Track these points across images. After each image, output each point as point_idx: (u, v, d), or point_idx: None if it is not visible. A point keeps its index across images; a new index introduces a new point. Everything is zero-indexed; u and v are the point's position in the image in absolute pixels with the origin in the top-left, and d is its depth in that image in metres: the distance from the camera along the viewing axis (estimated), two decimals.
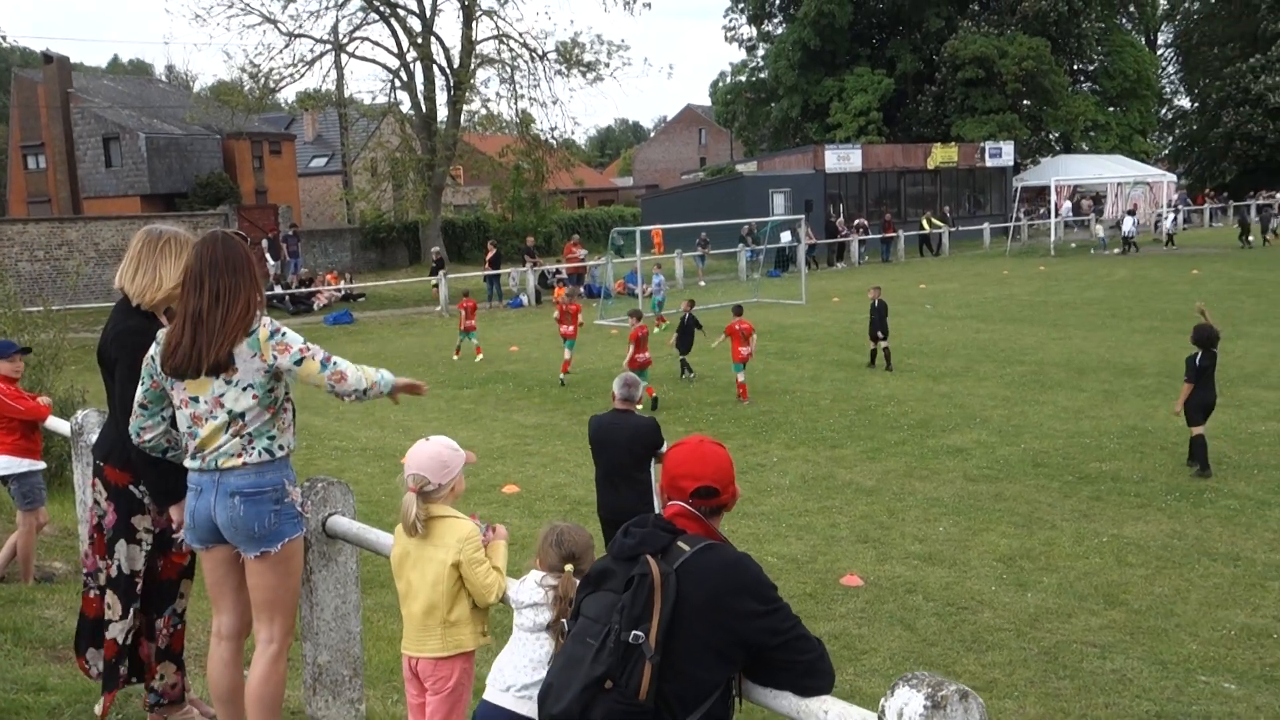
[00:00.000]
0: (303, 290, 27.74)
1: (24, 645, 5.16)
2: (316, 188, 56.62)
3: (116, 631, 4.04)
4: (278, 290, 26.96)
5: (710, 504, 2.67)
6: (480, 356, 19.64)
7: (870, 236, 38.11)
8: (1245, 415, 12.58)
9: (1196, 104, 70.59)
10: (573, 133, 35.91)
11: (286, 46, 32.76)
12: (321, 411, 15.01)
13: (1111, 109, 56.72)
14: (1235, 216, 42.27)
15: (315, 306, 27.17)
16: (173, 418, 3.75)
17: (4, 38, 76.84)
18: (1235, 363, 15.51)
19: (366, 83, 72.65)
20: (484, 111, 34.83)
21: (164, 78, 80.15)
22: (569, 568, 3.24)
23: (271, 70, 32.65)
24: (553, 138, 35.74)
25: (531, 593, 3.29)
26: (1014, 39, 51.02)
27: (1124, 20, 61.55)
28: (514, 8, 41.73)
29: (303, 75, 33.92)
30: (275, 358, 3.56)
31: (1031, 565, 8.15)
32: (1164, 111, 70.38)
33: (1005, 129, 50.39)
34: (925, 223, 39.87)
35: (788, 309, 25.34)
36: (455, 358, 19.79)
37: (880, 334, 16.71)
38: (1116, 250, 37.11)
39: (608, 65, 33.66)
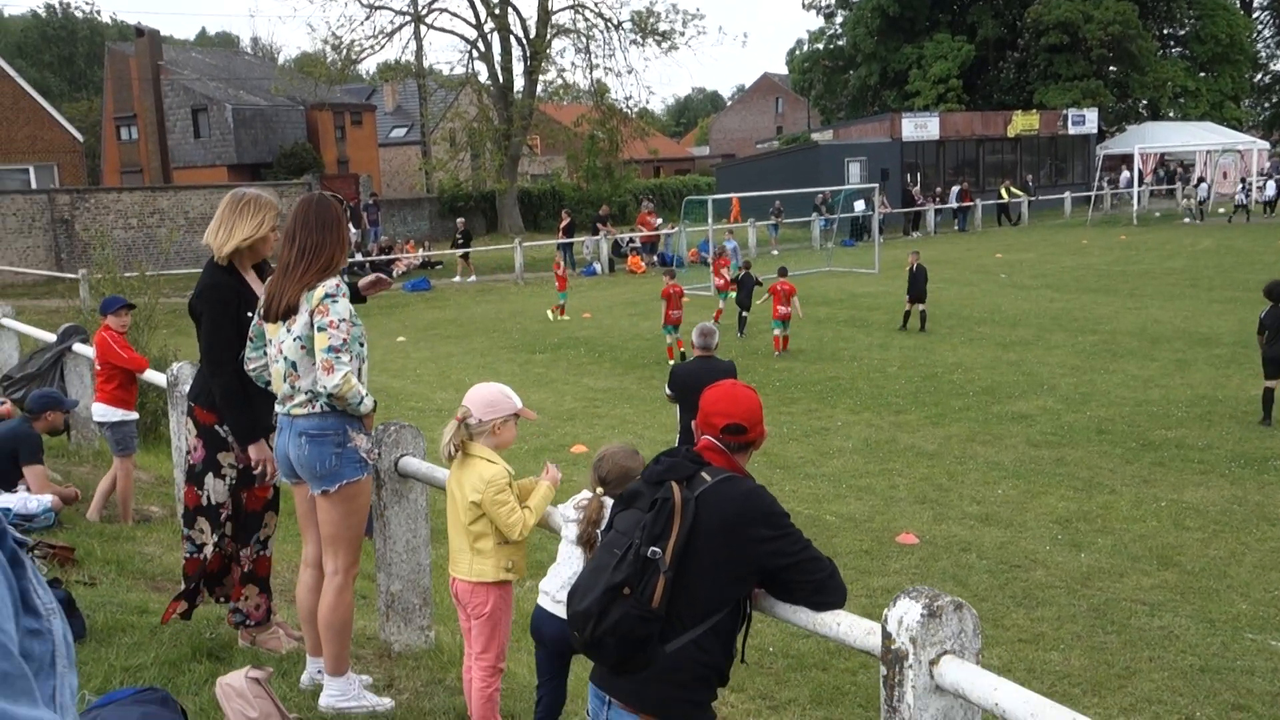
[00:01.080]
0: (383, 258, 28.38)
1: (126, 575, 5.62)
2: (396, 158, 57.53)
3: (207, 551, 4.45)
4: (358, 258, 27.61)
5: (738, 440, 2.92)
6: (564, 317, 20.46)
7: (944, 206, 37.72)
8: None
9: None
10: (648, 102, 35.93)
11: (367, 18, 33.37)
12: (400, 374, 15.52)
13: (1202, 74, 55.10)
14: None
15: (394, 274, 27.78)
16: None
17: (97, 11, 78.92)
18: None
19: (445, 53, 73.69)
20: (560, 81, 35.15)
21: (249, 50, 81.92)
22: (599, 490, 3.53)
23: (353, 42, 33.25)
24: (628, 107, 35.93)
25: (570, 511, 3.64)
26: (1100, 3, 49.76)
27: None
28: None
29: (383, 46, 34.54)
30: (318, 319, 3.83)
31: (1087, 527, 8.27)
32: (1259, 77, 68.16)
33: (1090, 96, 49.30)
34: (1004, 192, 39.33)
35: (860, 278, 25.32)
36: (557, 316, 20.63)
37: (918, 298, 17.30)
38: (1196, 220, 36.37)
39: (682, 34, 33.74)
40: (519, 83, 35.13)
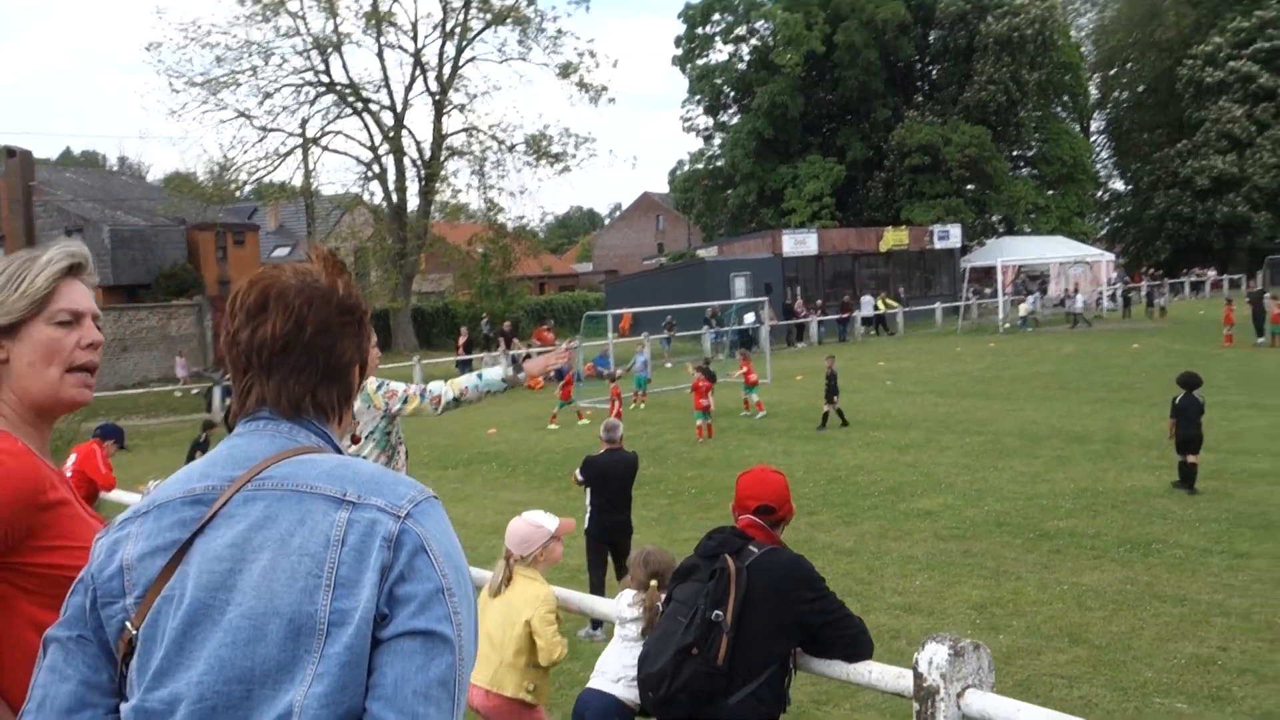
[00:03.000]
0: None
1: None
2: None
3: None
4: None
5: (770, 519, 3.50)
6: (554, 426, 21.63)
7: (828, 317, 39.41)
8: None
9: (1130, 186, 73.65)
10: (543, 220, 36.96)
11: (261, 140, 33.77)
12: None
13: (1050, 192, 59.16)
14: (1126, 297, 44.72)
15: None
16: None
17: None
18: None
19: (337, 174, 74.38)
20: (454, 202, 35.98)
21: (115, 168, 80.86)
22: (654, 584, 4.04)
23: (245, 163, 33.59)
24: (521, 225, 36.94)
25: (628, 609, 4.10)
26: (957, 127, 53.36)
27: (1059, 109, 64.46)
28: (483, 102, 43.34)
29: (276, 168, 34.87)
30: (386, 404, 4.35)
31: (1001, 611, 8.98)
32: (1100, 194, 73.21)
33: (952, 212, 52.43)
34: (880, 303, 41.29)
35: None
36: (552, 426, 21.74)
37: (834, 397, 18.88)
38: (1030, 328, 38.91)
39: (574, 156, 35.03)
40: (413, 202, 35.83)
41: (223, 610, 1.50)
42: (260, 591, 1.50)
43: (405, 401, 4.42)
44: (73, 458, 7.65)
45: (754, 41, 58.77)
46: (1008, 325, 39.79)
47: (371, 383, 4.44)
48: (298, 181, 36.84)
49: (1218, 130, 61.77)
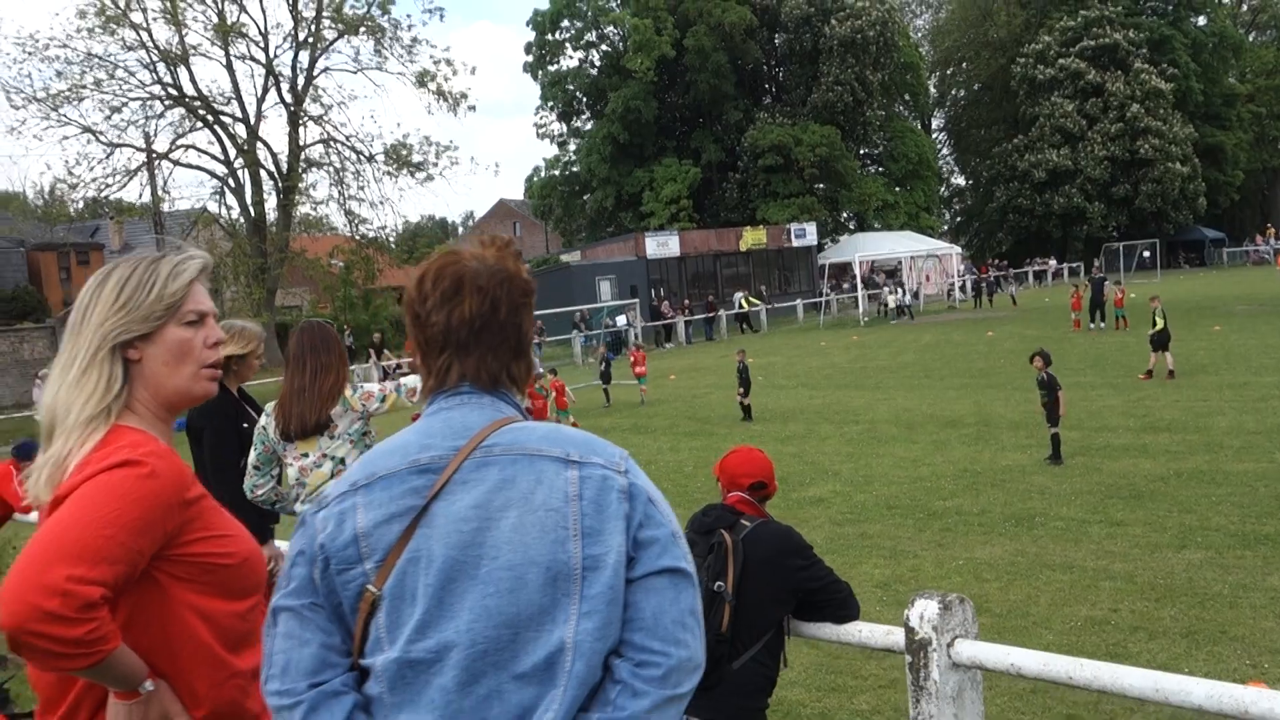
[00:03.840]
0: None
1: None
2: None
3: None
4: None
5: (761, 494, 3.65)
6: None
7: (694, 317, 40.00)
8: None
9: (971, 181, 76.92)
10: (399, 230, 36.40)
11: (108, 156, 32.47)
12: None
13: (898, 189, 61.29)
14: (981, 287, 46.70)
15: None
16: (279, 475, 4.51)
17: None
18: (1038, 410, 17.43)
19: (190, 189, 72.25)
20: (314, 214, 35.29)
21: None
22: None
23: (93, 180, 32.27)
24: (383, 236, 36.39)
25: None
26: (807, 128, 54.82)
27: (901, 108, 66.85)
28: (339, 112, 42.57)
29: (125, 185, 33.59)
30: (364, 405, 4.41)
31: (904, 588, 9.34)
32: (943, 189, 76.18)
33: (806, 211, 53.82)
34: (743, 302, 42.11)
35: (628, 389, 26.51)
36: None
37: (744, 390, 19.67)
38: (894, 320, 40.36)
39: (435, 164, 34.70)
40: (272, 215, 34.99)
41: (477, 565, 1.68)
42: (515, 545, 1.68)
43: (383, 400, 4.48)
44: None
45: (604, 47, 59.27)
46: (867, 319, 41.06)
47: (347, 389, 4.47)
48: (147, 198, 35.57)
49: (1051, 125, 65.05)
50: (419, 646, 1.68)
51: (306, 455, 4.42)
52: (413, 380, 4.59)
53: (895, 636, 3.36)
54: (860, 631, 3.46)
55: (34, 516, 7.45)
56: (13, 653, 1.76)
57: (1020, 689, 7.04)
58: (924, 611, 3.25)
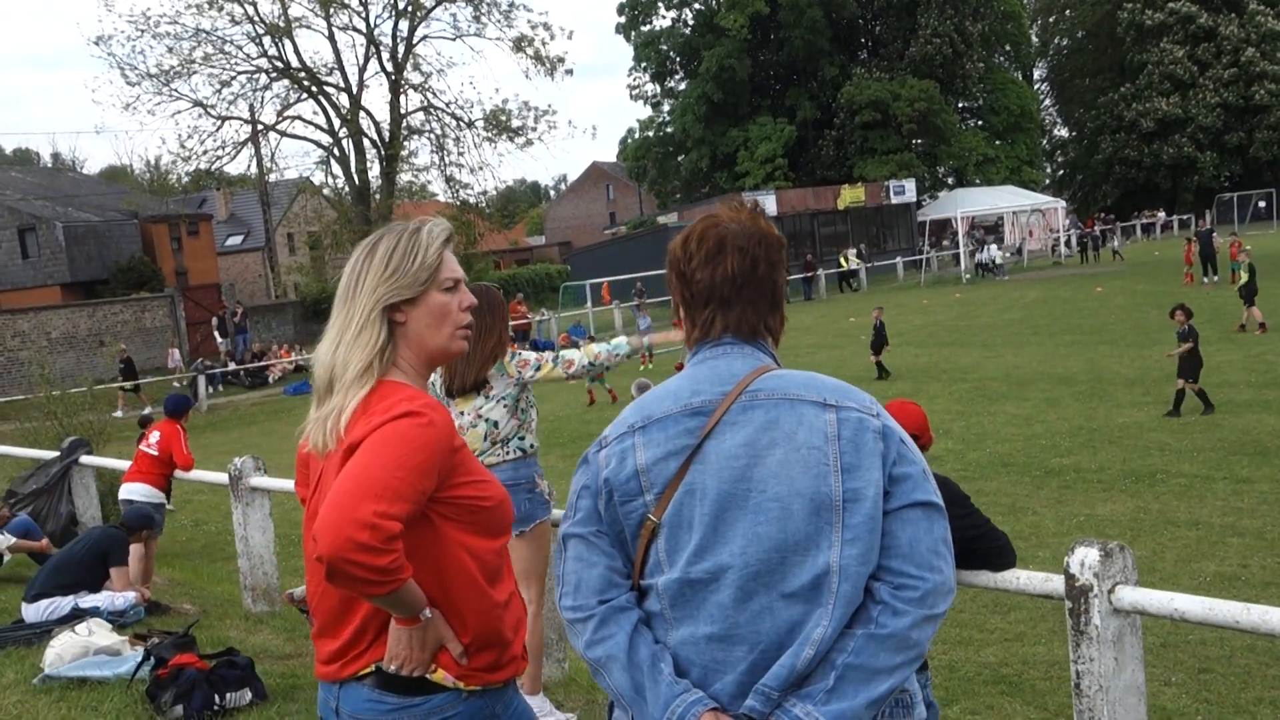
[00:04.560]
0: (256, 364, 28.24)
1: (249, 651, 6.00)
2: (234, 265, 56.68)
3: None
4: (231, 366, 27.42)
5: (918, 445, 3.77)
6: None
7: (793, 276, 39.84)
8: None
9: (1074, 133, 74.67)
10: (495, 192, 36.73)
11: (218, 129, 33.42)
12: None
13: (999, 143, 59.90)
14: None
15: (270, 379, 27.69)
16: None
17: None
18: (1157, 365, 17.16)
19: (295, 159, 74.28)
20: (416, 181, 35.91)
21: (48, 164, 79.35)
22: None
23: (204, 152, 33.28)
24: (485, 201, 36.87)
25: None
26: (905, 82, 53.83)
27: (1002, 59, 65.13)
28: (439, 79, 43.19)
29: (235, 156, 34.58)
30: (519, 373, 4.61)
31: (1024, 544, 9.34)
32: (1046, 142, 74.17)
33: (904, 167, 52.98)
34: (843, 260, 41.76)
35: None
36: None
37: (884, 347, 19.83)
38: (1005, 276, 39.60)
39: (534, 129, 34.99)
40: (376, 183, 35.67)
41: (747, 497, 1.89)
42: (781, 479, 1.88)
43: (538, 369, 4.66)
44: (156, 435, 7.90)
45: (697, 5, 58.80)
46: (969, 276, 40.41)
47: (506, 355, 4.69)
48: (254, 169, 36.52)
49: (1160, 72, 62.77)
50: (697, 568, 1.89)
51: (463, 414, 4.64)
52: (571, 353, 4.77)
53: (1054, 583, 3.46)
54: (1019, 578, 3.58)
55: (195, 474, 7.89)
56: (327, 580, 1.99)
57: (1150, 643, 7.06)
58: (1084, 558, 3.34)
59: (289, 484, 7.76)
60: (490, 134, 34.65)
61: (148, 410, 14.70)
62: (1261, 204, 56.30)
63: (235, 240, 58.90)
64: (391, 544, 1.92)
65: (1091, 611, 3.32)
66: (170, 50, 32.38)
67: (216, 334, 29.49)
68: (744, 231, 2.05)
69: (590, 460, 2.05)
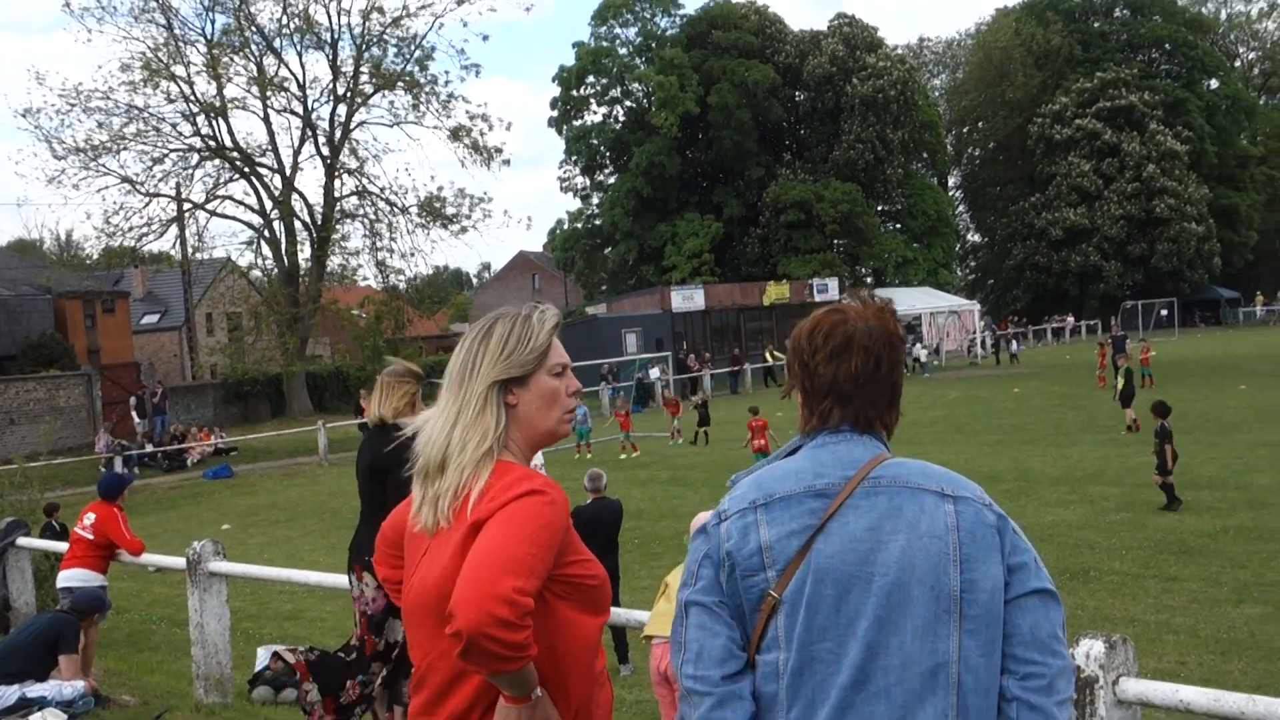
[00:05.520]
0: (175, 447, 27.56)
1: None
2: (149, 344, 55.51)
3: (375, 687, 4.98)
4: (149, 448, 26.72)
5: None
6: (636, 453, 24.18)
7: (719, 370, 40.29)
8: (1098, 508, 14.49)
9: (987, 239, 77.33)
10: (415, 280, 36.66)
11: (145, 206, 33.01)
12: (250, 562, 15.34)
13: (917, 245, 61.69)
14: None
15: (189, 462, 27.03)
16: None
17: None
18: (1077, 465, 17.66)
19: (223, 238, 73.71)
20: (348, 265, 35.75)
21: None
22: None
23: (131, 229, 32.79)
24: (412, 288, 36.81)
25: None
26: (828, 184, 55.41)
27: (920, 166, 67.50)
28: (375, 164, 43.38)
29: (162, 234, 34.10)
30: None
31: None
32: (960, 246, 76.66)
33: (827, 266, 54.24)
34: (768, 355, 42.36)
35: (660, 440, 26.74)
36: (630, 453, 24.13)
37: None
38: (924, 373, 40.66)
39: (469, 216, 35.16)
40: (304, 265, 35.44)
41: (870, 580, 1.96)
42: (904, 565, 1.96)
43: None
44: (90, 517, 7.66)
45: (629, 103, 60.10)
46: (909, 372, 41.32)
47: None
48: (180, 247, 36.04)
49: (1068, 184, 65.57)
50: (819, 647, 1.95)
51: None
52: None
53: None
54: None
55: (145, 558, 7.68)
56: (461, 656, 1.99)
57: None
58: (1090, 650, 3.46)
59: (250, 569, 7.61)
60: (424, 220, 34.75)
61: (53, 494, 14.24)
62: (1164, 312, 58.64)
63: (151, 319, 57.76)
64: (527, 619, 1.95)
65: (1097, 703, 3.43)
66: (100, 125, 32.05)
67: (135, 414, 28.78)
68: (871, 330, 2.11)
69: (710, 532, 2.09)
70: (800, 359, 2.16)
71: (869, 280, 61.04)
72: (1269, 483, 15.36)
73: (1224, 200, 68.02)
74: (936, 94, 76.62)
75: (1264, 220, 72.18)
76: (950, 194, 75.32)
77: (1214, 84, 73.11)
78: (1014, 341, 48.53)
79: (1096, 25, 72.87)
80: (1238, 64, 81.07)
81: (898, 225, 63.26)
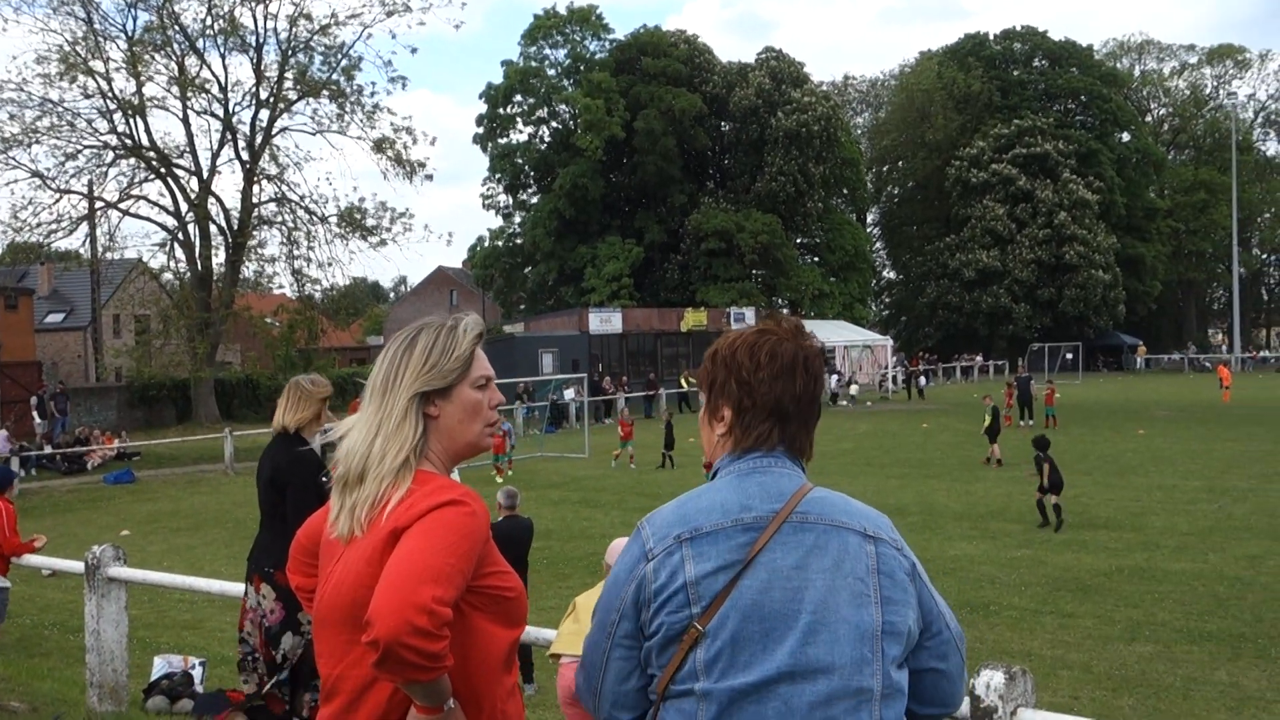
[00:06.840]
0: (76, 450, 26.76)
1: None
2: (52, 344, 53.91)
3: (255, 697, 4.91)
4: (47, 450, 25.91)
5: None
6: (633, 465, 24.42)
7: (634, 394, 40.38)
8: (1000, 545, 14.83)
9: (902, 276, 78.94)
10: (330, 291, 36.03)
11: (56, 202, 32.09)
12: (150, 568, 14.94)
13: (833, 279, 62.70)
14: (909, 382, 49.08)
15: (89, 466, 26.26)
16: None
17: None
18: (981, 500, 18.07)
19: (136, 239, 71.29)
20: (263, 272, 35.13)
21: None
22: None
23: (40, 225, 31.85)
24: (328, 298, 36.30)
25: None
26: (750, 215, 56.10)
27: (840, 202, 68.70)
28: (295, 172, 42.94)
29: (72, 231, 33.13)
30: None
31: None
32: (876, 282, 78.11)
33: (745, 295, 54.81)
34: (684, 381, 42.60)
35: (574, 462, 26.70)
36: (626, 463, 24.57)
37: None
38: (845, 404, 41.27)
39: (389, 229, 34.80)
40: (218, 271, 34.76)
41: (796, 616, 1.98)
42: (827, 603, 1.99)
43: None
44: None
45: (555, 124, 60.23)
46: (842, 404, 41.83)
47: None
48: (90, 246, 35.12)
49: (982, 227, 67.32)
50: (742, 680, 1.96)
51: None
52: None
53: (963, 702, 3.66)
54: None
55: (32, 559, 7.44)
56: (376, 666, 1.98)
57: None
58: (990, 680, 3.57)
59: (151, 575, 7.43)
60: (343, 231, 34.32)
61: None
62: (1069, 355, 60.40)
63: (56, 317, 56.11)
64: (445, 630, 1.95)
65: None
66: (12, 117, 31.10)
67: (35, 414, 27.89)
68: (814, 353, 2.16)
69: (636, 573, 2.07)
70: (738, 376, 2.13)
71: (785, 311, 61.82)
72: (1163, 525, 15.89)
73: (1131, 250, 70.44)
74: (859, 132, 78.11)
75: (1168, 271, 74.93)
76: (868, 230, 76.76)
77: (1126, 137, 75.79)
78: (923, 378, 49.57)
79: (1016, 74, 75.12)
80: (1149, 119, 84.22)
81: (816, 258, 64.22)
